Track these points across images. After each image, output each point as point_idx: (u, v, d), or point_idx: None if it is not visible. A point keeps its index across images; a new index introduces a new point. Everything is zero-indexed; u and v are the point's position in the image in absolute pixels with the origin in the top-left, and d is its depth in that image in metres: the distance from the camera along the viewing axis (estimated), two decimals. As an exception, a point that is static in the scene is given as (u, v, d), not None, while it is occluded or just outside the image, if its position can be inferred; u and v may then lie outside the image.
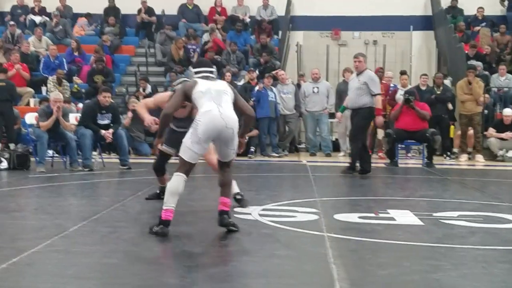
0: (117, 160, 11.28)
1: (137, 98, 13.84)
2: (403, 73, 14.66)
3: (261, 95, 13.79)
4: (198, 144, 5.22)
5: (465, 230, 5.64)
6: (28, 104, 15.13)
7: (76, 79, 16.08)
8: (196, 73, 5.62)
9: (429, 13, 18.94)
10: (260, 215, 6.22)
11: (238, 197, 6.71)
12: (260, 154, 13.95)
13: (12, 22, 17.58)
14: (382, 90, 13.63)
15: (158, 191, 7.13)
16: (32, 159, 10.93)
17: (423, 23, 18.92)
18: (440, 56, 18.44)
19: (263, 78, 14.37)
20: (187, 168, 5.28)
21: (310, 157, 13.90)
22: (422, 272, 4.19)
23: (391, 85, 14.32)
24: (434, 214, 6.42)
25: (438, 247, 4.94)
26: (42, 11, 18.83)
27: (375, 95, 9.86)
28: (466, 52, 15.67)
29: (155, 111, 6.68)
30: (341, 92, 13.01)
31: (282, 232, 5.48)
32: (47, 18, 18.49)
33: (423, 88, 13.74)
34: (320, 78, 14.66)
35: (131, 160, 11.10)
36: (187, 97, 5.43)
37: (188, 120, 6.37)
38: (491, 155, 13.61)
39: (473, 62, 15.21)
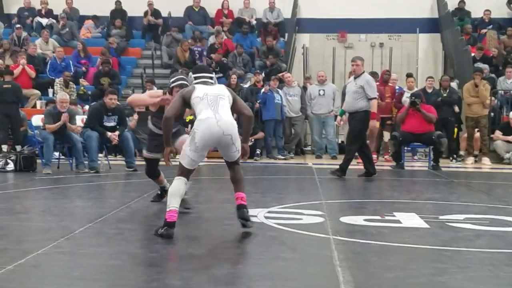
0: (123, 162, 11.30)
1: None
2: (409, 75, 14.64)
3: (267, 98, 13.80)
4: (195, 152, 5.28)
5: (471, 233, 5.62)
6: (34, 106, 15.18)
7: (82, 81, 16.12)
8: (196, 78, 5.64)
9: (436, 15, 18.92)
10: (266, 217, 6.22)
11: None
12: (266, 157, 13.95)
13: (18, 25, 17.64)
14: (388, 92, 13.75)
15: (159, 192, 7.15)
16: (38, 161, 10.96)
17: (430, 25, 18.89)
18: (446, 59, 18.40)
19: (269, 81, 14.38)
20: (186, 173, 5.34)
21: (316, 160, 13.90)
22: (428, 275, 4.18)
23: (396, 87, 14.30)
24: (440, 217, 6.40)
25: (444, 250, 4.93)
26: (49, 14, 18.88)
27: (371, 99, 9.85)
28: (473, 54, 15.64)
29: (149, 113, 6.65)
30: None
31: (287, 234, 5.47)
32: (54, 21, 18.54)
33: (429, 90, 13.72)
34: (326, 81, 14.66)
35: (137, 162, 11.10)
36: (185, 102, 5.46)
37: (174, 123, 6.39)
38: (497, 158, 13.57)
39: (479, 64, 15.17)
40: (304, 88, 14.93)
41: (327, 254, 4.70)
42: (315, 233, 5.47)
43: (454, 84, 14.93)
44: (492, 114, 14.13)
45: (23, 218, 6.40)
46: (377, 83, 13.34)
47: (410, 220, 6.21)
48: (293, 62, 18.19)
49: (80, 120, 11.68)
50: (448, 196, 8.26)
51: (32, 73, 15.52)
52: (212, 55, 16.55)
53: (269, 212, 6.55)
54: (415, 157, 14.41)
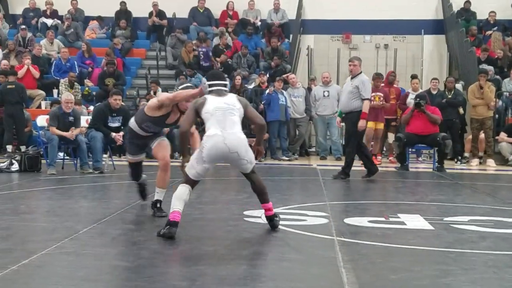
0: (127, 163, 11.30)
1: (148, 101, 13.88)
2: (414, 77, 14.61)
3: (272, 99, 13.80)
4: (201, 165, 5.39)
5: (476, 235, 5.61)
6: (39, 106, 15.22)
7: (87, 81, 16.15)
8: (210, 86, 5.65)
9: (441, 17, 18.90)
10: (270, 218, 6.20)
11: (159, 205, 6.40)
12: (271, 158, 13.95)
13: (23, 26, 17.67)
14: (393, 94, 13.73)
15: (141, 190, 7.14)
16: (43, 161, 10.98)
17: (435, 27, 18.87)
18: (451, 60, 18.36)
19: (273, 82, 14.38)
20: (191, 182, 5.44)
21: (320, 161, 13.89)
22: (433, 277, 4.17)
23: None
24: (445, 219, 6.39)
25: (449, 252, 4.92)
26: (54, 14, 18.93)
27: (364, 99, 9.83)
28: (478, 56, 15.62)
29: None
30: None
31: (292, 235, 5.47)
32: (59, 21, 18.59)
33: (434, 92, 13.71)
34: (331, 82, 14.65)
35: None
36: (198, 114, 5.52)
37: (155, 127, 6.38)
38: (502, 160, 13.55)
39: (484, 66, 15.14)
40: (309, 89, 14.92)
41: (331, 255, 4.70)
42: (320, 234, 5.47)
43: (459, 86, 14.90)
44: (497, 115, 14.11)
45: (28, 218, 6.41)
46: (382, 85, 13.38)
47: (415, 221, 6.20)
48: (297, 63, 18.19)
49: (84, 120, 11.70)
50: (452, 198, 8.24)
51: (36, 74, 15.55)
52: (217, 58, 16.56)
53: (273, 213, 6.53)
54: (420, 159, 14.40)
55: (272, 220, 5.65)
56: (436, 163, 11.97)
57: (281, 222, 5.72)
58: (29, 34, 17.50)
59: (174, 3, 18.79)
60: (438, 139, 11.66)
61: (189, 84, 6.32)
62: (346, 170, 10.05)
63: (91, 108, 13.78)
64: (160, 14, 18.60)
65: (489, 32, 17.64)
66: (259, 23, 18.53)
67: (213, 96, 5.55)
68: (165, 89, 15.36)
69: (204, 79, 5.84)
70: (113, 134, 10.81)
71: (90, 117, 11.72)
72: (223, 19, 18.60)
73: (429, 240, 5.47)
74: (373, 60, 18.54)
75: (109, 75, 15.59)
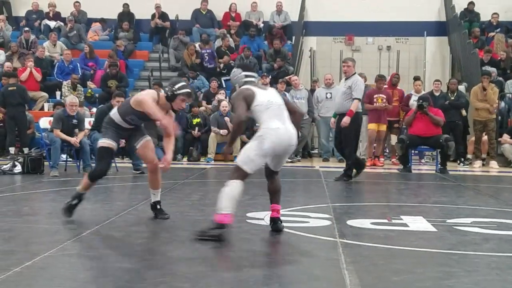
0: (130, 165, 11.32)
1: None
2: (416, 78, 14.61)
3: (274, 100, 13.76)
4: (262, 157, 5.34)
5: (478, 237, 5.60)
6: (42, 108, 15.23)
7: (90, 83, 16.17)
8: (246, 76, 5.67)
9: (443, 18, 18.89)
10: (273, 220, 6.20)
11: (159, 206, 6.39)
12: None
13: (26, 28, 17.71)
14: (396, 95, 13.72)
15: (75, 201, 6.34)
16: (46, 163, 10.98)
17: (437, 28, 18.87)
18: (454, 62, 18.37)
19: (276, 83, 14.38)
20: (244, 176, 5.34)
21: (323, 163, 13.89)
22: (436, 279, 4.17)
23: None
24: (448, 221, 6.38)
25: (452, 254, 4.92)
26: (57, 16, 18.97)
27: (354, 98, 9.81)
28: (481, 58, 15.61)
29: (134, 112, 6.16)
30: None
31: (294, 237, 5.47)
32: (62, 23, 18.63)
33: (437, 94, 13.71)
34: (333, 84, 14.62)
35: (144, 165, 11.10)
36: (247, 105, 5.40)
37: (149, 124, 6.32)
38: (505, 162, 13.53)
39: (487, 68, 15.15)
40: (311, 91, 14.92)
41: (334, 257, 4.70)
42: (322, 236, 5.47)
43: (462, 88, 14.89)
44: (499, 117, 14.09)
45: (31, 220, 6.41)
46: (385, 86, 13.38)
47: (418, 223, 6.20)
48: (300, 65, 18.20)
49: (87, 122, 11.71)
50: (455, 200, 8.23)
51: (38, 76, 15.58)
52: (220, 60, 16.58)
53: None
54: (423, 161, 14.39)
55: (276, 222, 5.63)
56: (439, 165, 11.96)
57: (283, 224, 5.71)
58: (32, 36, 17.55)
59: (176, 5, 18.83)
60: (440, 141, 11.66)
61: (184, 84, 6.21)
62: (348, 172, 10.06)
63: (94, 110, 13.79)
64: (163, 16, 18.63)
65: (492, 34, 17.64)
66: (261, 25, 18.55)
67: (257, 88, 5.51)
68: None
69: (237, 69, 5.80)
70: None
71: (92, 119, 11.71)
72: (226, 21, 18.62)
73: (432, 242, 5.47)
74: (375, 62, 18.55)
75: (112, 77, 15.60)
